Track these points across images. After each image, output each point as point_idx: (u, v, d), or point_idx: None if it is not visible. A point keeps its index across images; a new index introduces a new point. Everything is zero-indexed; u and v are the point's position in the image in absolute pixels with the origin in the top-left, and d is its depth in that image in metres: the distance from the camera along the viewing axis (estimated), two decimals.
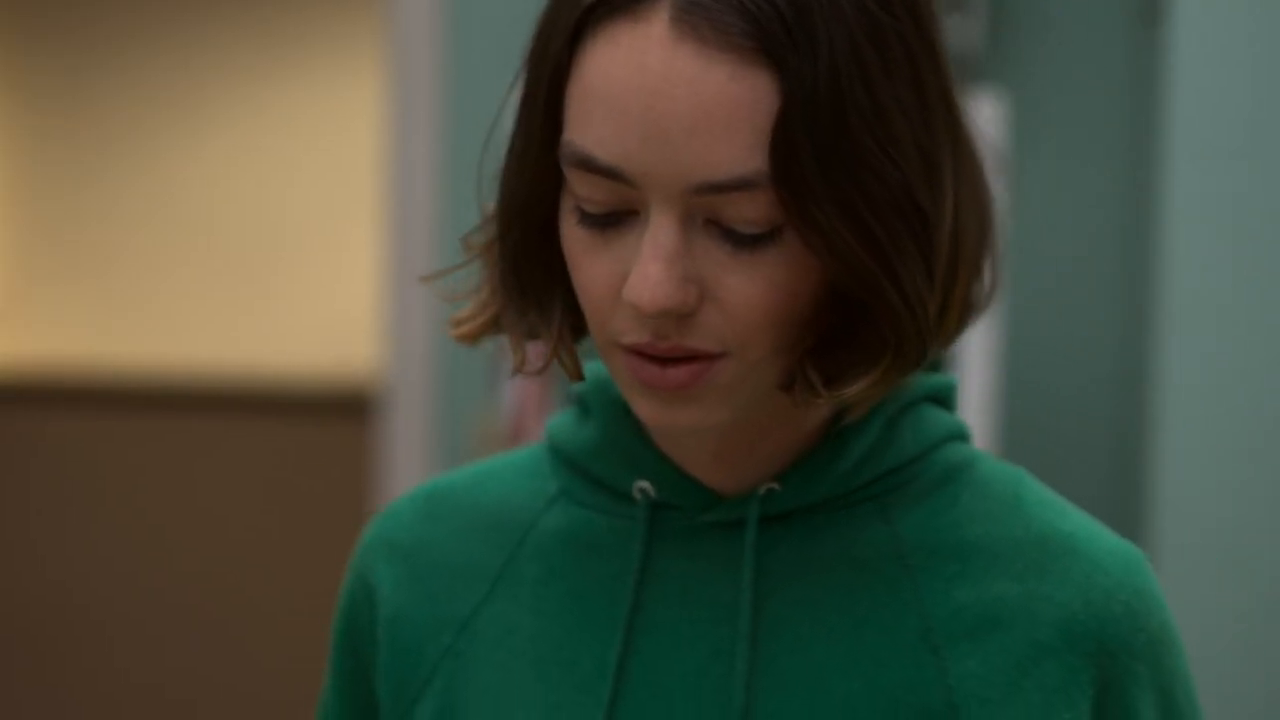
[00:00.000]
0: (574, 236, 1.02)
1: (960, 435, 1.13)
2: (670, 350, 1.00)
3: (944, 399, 1.14)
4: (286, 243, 5.94)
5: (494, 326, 1.09)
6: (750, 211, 0.98)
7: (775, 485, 1.08)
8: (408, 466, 3.27)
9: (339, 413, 5.22)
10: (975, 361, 2.88)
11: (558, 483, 1.14)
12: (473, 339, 1.09)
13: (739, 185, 0.97)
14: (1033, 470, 3.16)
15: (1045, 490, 1.14)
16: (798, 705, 1.05)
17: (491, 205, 1.11)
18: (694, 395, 1.01)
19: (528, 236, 1.06)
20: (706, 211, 0.99)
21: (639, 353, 1.01)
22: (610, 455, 1.11)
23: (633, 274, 0.98)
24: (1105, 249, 3.14)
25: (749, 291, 0.99)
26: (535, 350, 1.17)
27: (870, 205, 0.98)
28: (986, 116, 2.89)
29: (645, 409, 1.03)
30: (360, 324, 5.92)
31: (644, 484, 1.10)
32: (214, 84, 5.96)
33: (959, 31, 3.07)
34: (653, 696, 1.06)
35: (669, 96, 0.96)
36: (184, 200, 5.97)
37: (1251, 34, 2.67)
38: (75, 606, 5.40)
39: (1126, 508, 3.10)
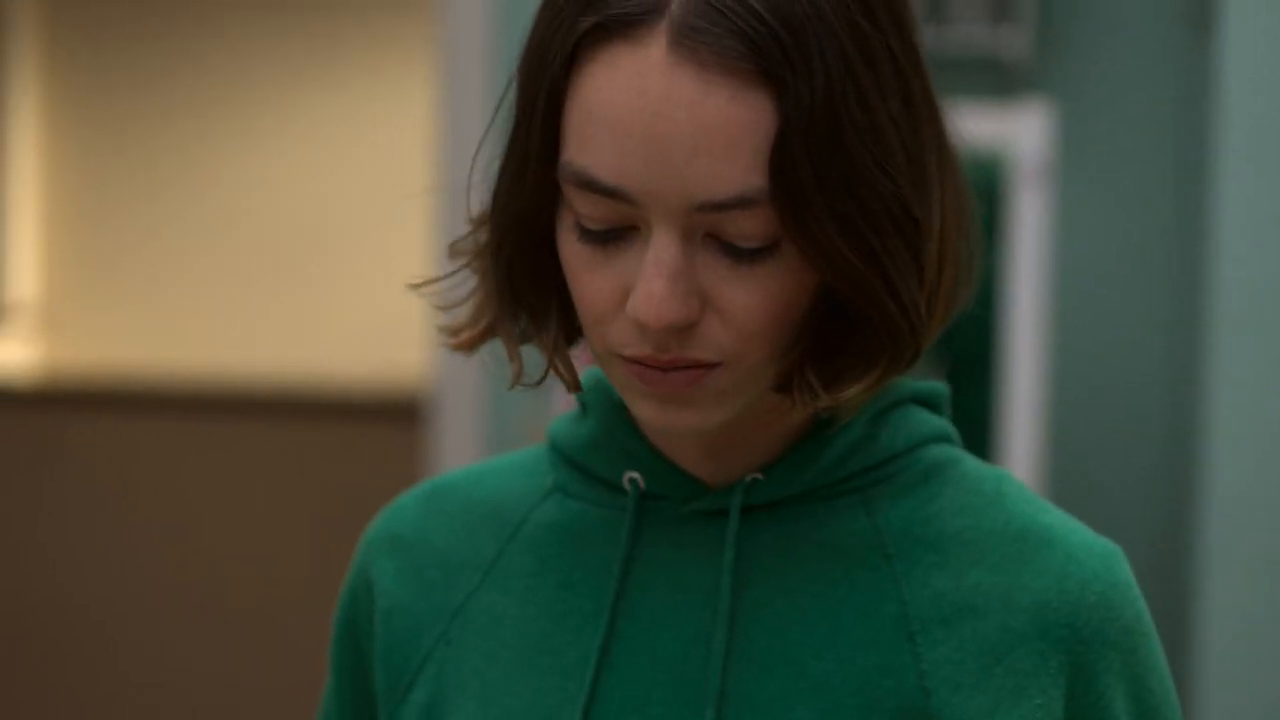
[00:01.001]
0: (574, 251, 1.04)
1: (946, 438, 1.17)
2: (671, 362, 1.03)
3: (934, 403, 1.17)
4: (335, 248, 5.98)
5: (490, 335, 1.12)
6: (750, 227, 1.01)
7: (759, 475, 1.12)
8: None
9: (389, 418, 5.26)
10: (1025, 368, 2.89)
11: (554, 478, 1.18)
12: (469, 348, 1.13)
13: (739, 204, 1.00)
14: (1082, 475, 3.16)
15: (1026, 489, 1.17)
16: (772, 686, 1.08)
17: (480, 214, 1.14)
18: (693, 398, 1.05)
19: (523, 249, 1.09)
20: (706, 227, 1.01)
21: (639, 362, 1.04)
22: (605, 449, 1.15)
23: (637, 290, 1.01)
24: (1155, 257, 3.14)
25: (748, 303, 1.02)
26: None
27: (867, 218, 1.01)
28: (1035, 126, 2.90)
29: (645, 411, 1.06)
30: (410, 329, 5.96)
31: (634, 474, 1.14)
32: (262, 90, 6.01)
33: (1007, 41, 3.08)
34: (633, 680, 1.09)
35: (670, 119, 0.98)
36: (232, 206, 6.02)
37: None
38: (117, 611, 5.45)
39: (1176, 511, 3.10)
